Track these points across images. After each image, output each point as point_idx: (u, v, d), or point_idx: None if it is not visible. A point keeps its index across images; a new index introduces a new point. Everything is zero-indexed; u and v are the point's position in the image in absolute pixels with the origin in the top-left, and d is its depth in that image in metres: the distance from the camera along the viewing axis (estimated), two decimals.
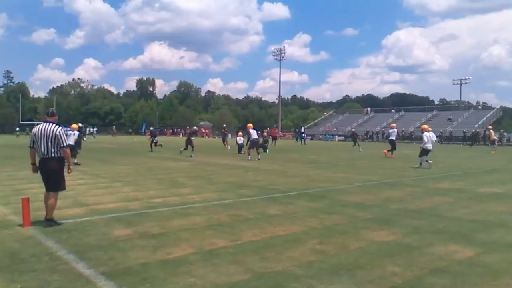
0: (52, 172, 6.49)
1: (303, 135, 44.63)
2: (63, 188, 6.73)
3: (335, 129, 70.35)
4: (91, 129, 69.69)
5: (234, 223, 6.70)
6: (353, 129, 45.97)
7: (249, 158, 19.74)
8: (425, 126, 18.80)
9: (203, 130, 76.12)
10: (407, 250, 5.38)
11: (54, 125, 6.53)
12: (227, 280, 4.21)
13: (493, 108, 67.74)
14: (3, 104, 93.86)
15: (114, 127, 79.21)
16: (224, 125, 36.50)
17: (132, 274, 4.38)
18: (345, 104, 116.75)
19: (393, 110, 76.83)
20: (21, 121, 75.46)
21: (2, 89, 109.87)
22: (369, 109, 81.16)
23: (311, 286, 4.05)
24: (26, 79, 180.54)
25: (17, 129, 63.91)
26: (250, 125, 21.50)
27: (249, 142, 20.40)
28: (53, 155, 6.44)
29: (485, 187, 11.32)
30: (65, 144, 6.50)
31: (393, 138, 23.80)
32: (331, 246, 5.50)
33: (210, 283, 4.11)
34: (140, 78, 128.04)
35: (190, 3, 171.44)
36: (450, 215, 7.63)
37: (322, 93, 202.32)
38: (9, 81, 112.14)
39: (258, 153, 20.53)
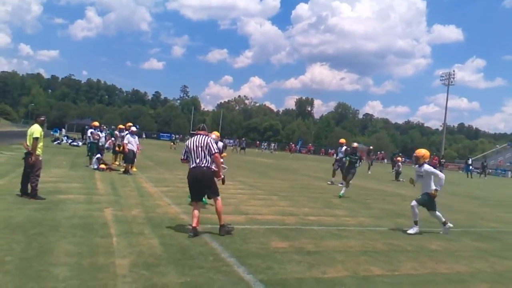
0: (210, 179, 6.82)
1: (470, 167, 40.80)
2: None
3: (508, 164, 62.80)
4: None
5: (390, 253, 6.43)
6: None
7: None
8: None
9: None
10: None
11: (205, 136, 6.86)
12: None
13: None
14: (178, 115, 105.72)
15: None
16: (371, 147, 34.88)
17: (288, 286, 4.51)
18: None
19: None
20: (192, 131, 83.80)
21: (178, 101, 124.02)
22: None
23: None
24: (198, 94, 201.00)
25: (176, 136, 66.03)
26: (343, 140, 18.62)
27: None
28: (208, 164, 6.73)
29: None
30: (216, 151, 6.73)
31: None
32: None
33: None
34: (299, 97, 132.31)
35: (356, 25, 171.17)
36: None
37: (494, 122, 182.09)
38: (184, 95, 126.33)
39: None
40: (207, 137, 6.87)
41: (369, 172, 28.06)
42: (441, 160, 36.62)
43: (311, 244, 6.54)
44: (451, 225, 8.45)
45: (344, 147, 17.54)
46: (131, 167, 14.80)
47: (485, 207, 14.56)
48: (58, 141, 32.14)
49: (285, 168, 27.33)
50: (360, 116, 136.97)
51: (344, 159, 14.39)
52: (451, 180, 30.18)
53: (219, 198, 6.87)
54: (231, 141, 67.93)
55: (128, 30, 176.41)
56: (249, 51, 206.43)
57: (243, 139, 59.47)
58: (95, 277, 4.31)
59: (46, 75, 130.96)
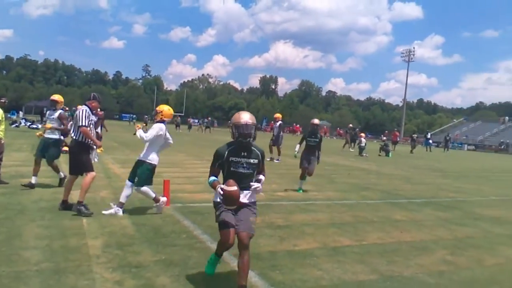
0: (74, 152, 6.40)
1: (429, 141, 42.19)
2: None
3: (464, 137, 65.30)
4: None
5: (357, 224, 6.67)
6: None
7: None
8: None
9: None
10: None
11: (81, 107, 6.47)
12: (354, 278, 4.25)
13: None
14: (141, 95, 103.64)
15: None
16: (350, 125, 35.41)
17: (262, 260, 4.63)
18: (478, 112, 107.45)
19: None
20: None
21: (140, 81, 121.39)
22: (506, 118, 73.68)
23: None
24: (161, 73, 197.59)
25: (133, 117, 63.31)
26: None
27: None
28: (76, 137, 6.33)
29: None
30: (83, 124, 6.24)
31: None
32: (463, 258, 5.21)
33: (337, 278, 4.19)
34: (263, 75, 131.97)
35: (319, 2, 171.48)
36: None
37: (452, 98, 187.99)
38: (146, 74, 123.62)
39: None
40: (81, 108, 6.44)
41: (351, 150, 28.55)
42: (413, 136, 37.70)
43: (281, 218, 6.69)
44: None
45: (279, 122, 17.33)
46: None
47: (444, 178, 15.18)
48: (16, 124, 31.01)
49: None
50: (324, 94, 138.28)
51: (297, 149, 9.85)
52: (411, 154, 31.16)
53: (89, 174, 6.32)
54: (196, 120, 67.44)
55: (86, 8, 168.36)
56: (212, 29, 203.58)
57: (209, 118, 58.97)
58: (68, 258, 4.29)
59: (0, 56, 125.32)
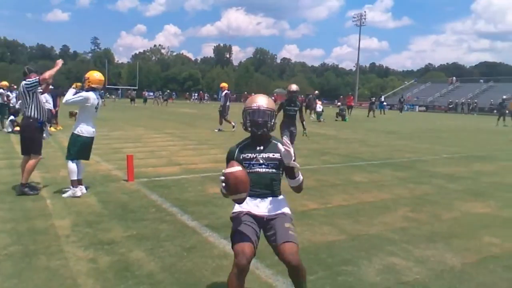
0: (25, 131, 6.21)
1: (383, 104, 43.36)
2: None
3: (416, 99, 67.48)
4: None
5: (322, 188, 6.88)
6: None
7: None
8: None
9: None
10: (505, 222, 5.25)
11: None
12: (323, 239, 4.42)
13: None
14: (91, 69, 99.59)
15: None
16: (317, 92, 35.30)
17: None
18: (427, 73, 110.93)
19: (481, 80, 71.87)
20: (107, 85, 79.92)
21: (90, 54, 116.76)
22: (454, 78, 76.50)
23: (408, 251, 4.14)
24: (110, 45, 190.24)
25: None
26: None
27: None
28: (28, 113, 6.07)
29: None
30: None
31: None
32: (423, 214, 5.51)
33: (307, 241, 4.34)
34: (217, 44, 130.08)
35: None
36: None
37: (402, 61, 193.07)
38: (95, 47, 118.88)
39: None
40: (22, 84, 6.12)
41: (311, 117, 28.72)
42: (372, 99, 37.97)
43: None
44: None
45: (225, 92, 16.97)
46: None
47: (399, 140, 15.75)
48: None
49: (210, 117, 27.28)
50: (278, 61, 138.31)
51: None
52: (367, 118, 31.97)
53: (36, 157, 6.12)
54: (151, 93, 65.92)
55: None
56: None
57: (168, 91, 58.09)
58: (36, 240, 4.21)
59: None
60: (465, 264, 3.86)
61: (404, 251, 4.11)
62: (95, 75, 6.13)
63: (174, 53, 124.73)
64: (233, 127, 16.43)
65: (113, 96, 65.66)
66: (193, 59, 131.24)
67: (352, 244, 4.29)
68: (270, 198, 2.98)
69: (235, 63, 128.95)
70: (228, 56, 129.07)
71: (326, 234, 4.60)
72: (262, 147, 3.00)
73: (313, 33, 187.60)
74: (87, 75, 6.14)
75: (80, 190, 5.99)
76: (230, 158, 3.04)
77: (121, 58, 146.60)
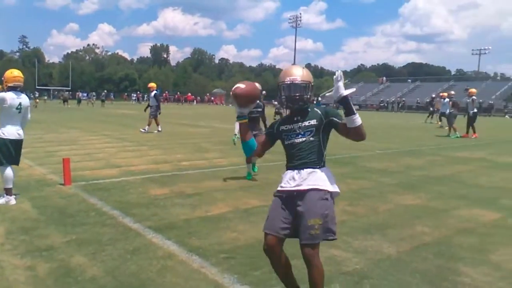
0: None
1: (320, 104, 44.62)
2: None
3: (349, 98, 69.90)
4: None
5: (264, 185, 6.99)
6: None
7: None
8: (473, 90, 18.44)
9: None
10: (434, 213, 5.61)
11: None
12: None
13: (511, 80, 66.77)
14: (19, 69, 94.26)
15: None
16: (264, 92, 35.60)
17: (177, 228, 4.70)
18: (360, 73, 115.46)
19: (409, 80, 75.92)
20: (37, 86, 75.91)
21: (17, 54, 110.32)
22: (384, 78, 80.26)
23: (347, 242, 4.33)
24: (40, 44, 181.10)
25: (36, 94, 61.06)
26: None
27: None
28: None
29: (505, 157, 11.43)
30: None
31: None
32: (360, 207, 5.76)
33: (252, 238, 4.41)
34: (154, 44, 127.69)
35: None
36: (472, 182, 7.82)
37: (336, 61, 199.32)
38: (24, 46, 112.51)
39: None
40: None
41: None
42: (319, 99, 39.49)
43: (190, 187, 6.76)
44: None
45: (154, 92, 16.43)
46: None
47: (337, 137, 16.16)
48: None
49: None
50: (217, 61, 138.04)
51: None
52: None
53: None
54: (85, 94, 63.44)
55: None
56: None
57: (106, 91, 56.33)
58: None
59: None
60: (400, 252, 4.10)
61: (344, 243, 4.30)
62: (9, 73, 5.76)
63: (109, 53, 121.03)
64: (158, 131, 15.98)
65: (45, 97, 62.53)
66: (129, 59, 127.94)
67: (295, 239, 4.41)
68: (306, 170, 2.81)
69: (173, 63, 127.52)
70: (165, 56, 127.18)
71: None
72: (299, 117, 2.91)
73: (251, 33, 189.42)
74: (4, 76, 5.79)
75: (14, 198, 5.68)
76: (270, 128, 3.07)
77: (52, 57, 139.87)
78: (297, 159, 2.84)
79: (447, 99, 19.85)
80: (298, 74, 2.86)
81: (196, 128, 19.09)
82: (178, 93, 78.52)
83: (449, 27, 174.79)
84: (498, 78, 78.93)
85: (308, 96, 2.86)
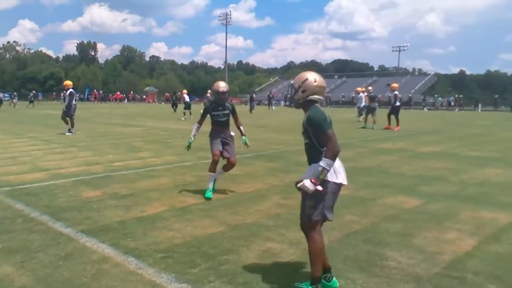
0: None
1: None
2: None
3: (280, 94, 71.22)
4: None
5: (199, 183, 7.01)
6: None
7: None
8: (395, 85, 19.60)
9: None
10: (361, 201, 5.94)
11: None
12: (204, 232, 4.55)
13: (428, 75, 71.53)
14: None
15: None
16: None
17: (112, 231, 4.61)
18: (290, 70, 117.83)
19: (335, 76, 78.76)
20: None
21: None
22: None
23: (282, 234, 4.48)
24: None
25: None
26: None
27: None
28: None
29: (424, 147, 12.25)
30: None
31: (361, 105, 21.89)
32: (293, 200, 5.93)
33: (189, 235, 4.44)
34: (80, 41, 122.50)
35: None
36: (396, 171, 8.32)
37: (267, 58, 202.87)
38: None
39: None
40: None
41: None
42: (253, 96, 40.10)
43: (124, 188, 6.63)
44: None
45: (69, 90, 15.42)
46: None
47: (269, 133, 16.59)
48: None
49: (79, 118, 25.63)
50: (147, 59, 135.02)
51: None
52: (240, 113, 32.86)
53: None
54: (7, 94, 59.45)
55: None
56: None
57: (34, 92, 53.25)
58: None
59: None
60: (331, 241, 4.31)
61: (279, 236, 4.44)
62: None
63: (32, 51, 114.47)
64: (69, 130, 15.18)
65: None
66: (54, 57, 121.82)
67: (231, 234, 4.50)
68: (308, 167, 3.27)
69: (101, 61, 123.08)
70: (93, 53, 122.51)
71: (207, 227, 4.74)
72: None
73: (181, 31, 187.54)
74: None
75: None
76: None
77: None
78: None
79: (361, 94, 21.52)
80: (296, 78, 3.41)
81: (129, 128, 18.61)
82: (100, 91, 75.23)
83: (371, 25, 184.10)
84: (416, 73, 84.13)
85: (295, 97, 3.31)
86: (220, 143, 6.43)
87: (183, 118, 24.57)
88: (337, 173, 3.21)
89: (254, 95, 40.50)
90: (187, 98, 27.61)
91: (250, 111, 35.96)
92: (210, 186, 6.25)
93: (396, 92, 18.57)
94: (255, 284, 3.34)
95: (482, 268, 3.69)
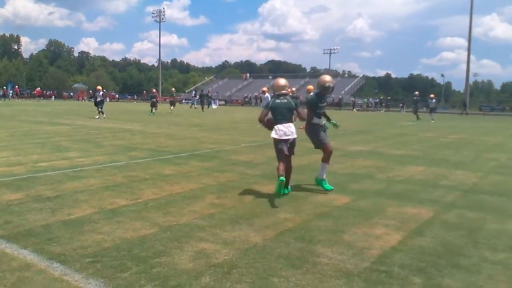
0: None
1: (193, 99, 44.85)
2: None
3: (215, 93, 71.06)
4: None
5: (131, 183, 6.79)
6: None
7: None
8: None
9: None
10: (294, 200, 6.04)
11: None
12: (135, 235, 4.40)
13: (357, 77, 74.67)
14: None
15: None
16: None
17: (35, 235, 4.33)
18: (224, 70, 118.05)
19: (270, 77, 79.86)
20: None
21: None
22: (248, 74, 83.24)
23: (216, 234, 4.45)
24: None
25: None
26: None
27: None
28: None
29: (353, 146, 12.74)
30: None
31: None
32: (227, 199, 5.95)
33: (119, 238, 4.28)
34: (2, 34, 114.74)
35: None
36: (327, 169, 8.54)
37: (201, 57, 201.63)
38: None
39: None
40: None
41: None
42: (206, 93, 40.74)
43: (49, 190, 6.28)
44: None
45: None
46: None
47: (203, 132, 16.47)
48: None
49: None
50: (76, 54, 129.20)
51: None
52: (175, 112, 32.41)
53: None
54: None
55: None
56: None
57: None
58: None
59: None
60: (265, 240, 4.34)
61: (213, 236, 4.41)
62: None
63: None
64: None
65: None
66: None
67: (164, 235, 4.40)
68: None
69: (26, 55, 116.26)
70: (16, 47, 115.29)
71: (138, 229, 4.60)
72: None
73: (113, 26, 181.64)
74: None
75: None
76: None
77: None
78: None
79: (267, 94, 22.29)
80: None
81: (55, 126, 17.68)
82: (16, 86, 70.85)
83: (303, 28, 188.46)
84: (346, 75, 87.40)
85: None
86: (324, 136, 7.08)
87: (97, 117, 23.59)
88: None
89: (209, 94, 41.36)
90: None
91: (202, 109, 37.03)
92: (325, 176, 6.86)
93: (311, 94, 19.00)
94: (188, 286, 3.28)
95: (407, 261, 3.88)
